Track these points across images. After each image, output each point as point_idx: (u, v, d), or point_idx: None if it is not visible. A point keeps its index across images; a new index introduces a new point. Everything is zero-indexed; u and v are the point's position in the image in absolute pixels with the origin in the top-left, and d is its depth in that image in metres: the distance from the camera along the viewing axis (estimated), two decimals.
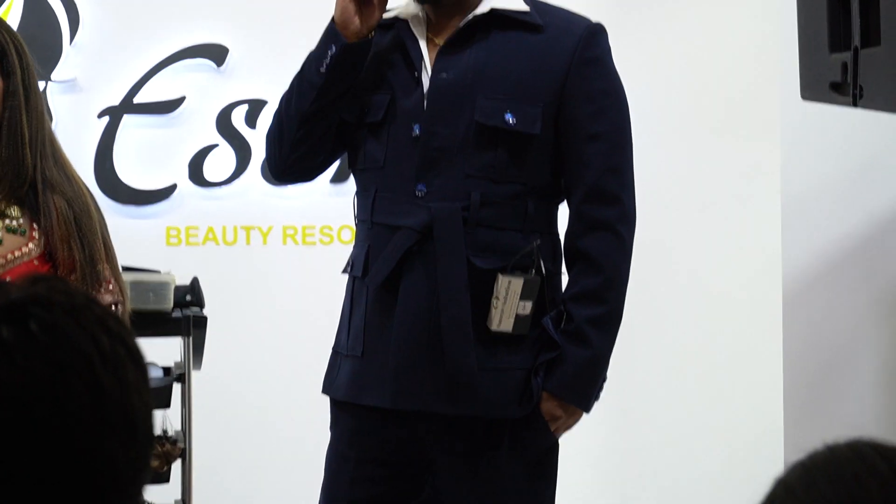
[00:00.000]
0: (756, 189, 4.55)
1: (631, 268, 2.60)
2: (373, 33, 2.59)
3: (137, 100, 4.75)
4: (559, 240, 2.65)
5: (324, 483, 2.69)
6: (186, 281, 3.67)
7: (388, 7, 2.61)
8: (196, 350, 3.56)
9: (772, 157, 4.26)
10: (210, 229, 4.76)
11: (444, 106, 2.55)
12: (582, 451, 4.05)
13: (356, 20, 2.55)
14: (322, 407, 2.76)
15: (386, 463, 2.60)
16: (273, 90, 3.79)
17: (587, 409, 2.61)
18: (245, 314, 4.51)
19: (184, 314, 3.54)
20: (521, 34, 2.58)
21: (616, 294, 2.57)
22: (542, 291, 2.53)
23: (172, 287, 3.53)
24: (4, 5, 4.51)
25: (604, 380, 2.60)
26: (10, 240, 2.54)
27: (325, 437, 2.74)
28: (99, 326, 1.07)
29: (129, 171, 4.72)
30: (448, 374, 2.52)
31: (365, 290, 2.60)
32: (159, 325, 3.46)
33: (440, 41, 2.59)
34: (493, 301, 2.51)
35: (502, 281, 2.50)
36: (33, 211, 2.55)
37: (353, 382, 2.61)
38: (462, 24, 2.57)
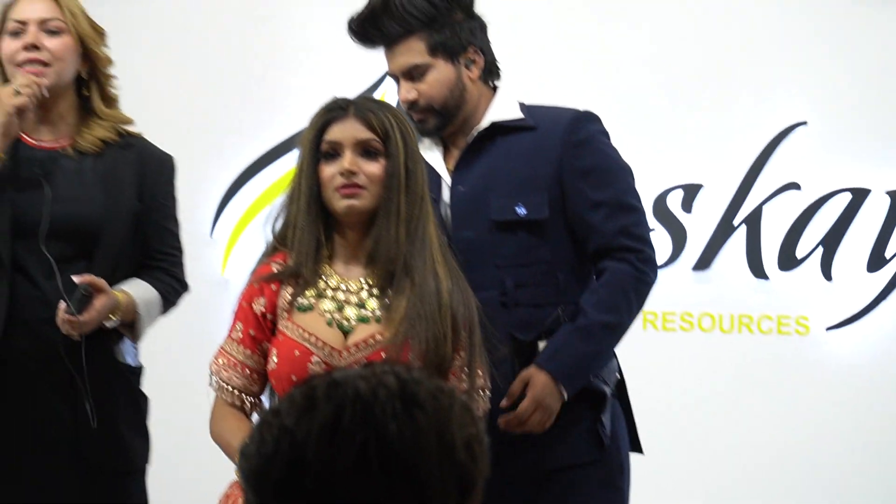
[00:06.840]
0: None
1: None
2: None
3: None
4: None
5: None
6: None
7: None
8: None
9: None
10: None
11: (464, 214, 2.93)
12: None
13: None
14: None
15: None
16: None
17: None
18: None
19: None
20: (520, 135, 2.95)
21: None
22: None
23: None
24: (380, 89, 4.67)
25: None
26: (371, 326, 2.61)
27: None
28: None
29: None
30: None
31: None
32: None
33: (457, 151, 2.98)
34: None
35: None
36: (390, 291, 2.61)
37: None
38: (469, 140, 2.96)
